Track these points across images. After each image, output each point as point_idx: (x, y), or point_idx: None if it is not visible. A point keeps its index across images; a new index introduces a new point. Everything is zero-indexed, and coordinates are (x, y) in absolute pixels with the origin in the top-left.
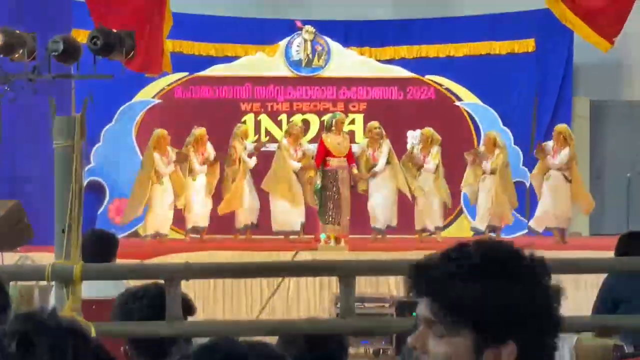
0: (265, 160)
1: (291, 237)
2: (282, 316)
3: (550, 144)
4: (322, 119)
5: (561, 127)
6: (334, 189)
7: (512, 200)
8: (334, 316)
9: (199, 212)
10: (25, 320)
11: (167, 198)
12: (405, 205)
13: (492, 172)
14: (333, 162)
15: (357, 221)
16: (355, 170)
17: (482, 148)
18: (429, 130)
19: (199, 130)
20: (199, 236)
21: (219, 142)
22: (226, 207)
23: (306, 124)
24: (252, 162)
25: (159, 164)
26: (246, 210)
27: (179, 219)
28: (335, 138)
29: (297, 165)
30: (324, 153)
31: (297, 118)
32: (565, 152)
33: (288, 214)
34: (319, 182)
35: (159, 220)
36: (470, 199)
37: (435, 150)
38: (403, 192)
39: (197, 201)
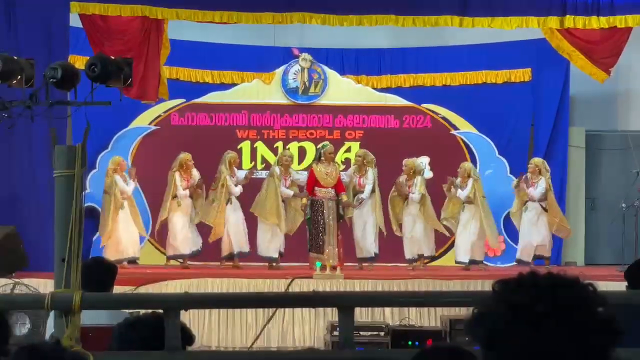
0: (254, 186)
1: (271, 264)
2: (277, 344)
3: (528, 176)
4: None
5: (537, 160)
6: (320, 219)
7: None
8: (329, 344)
9: (182, 239)
10: (28, 356)
11: (130, 222)
12: (393, 233)
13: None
14: (320, 192)
15: (351, 249)
16: (344, 197)
17: (458, 180)
18: (411, 161)
19: (184, 155)
20: (180, 262)
21: (214, 169)
22: (213, 235)
23: (302, 151)
24: (237, 190)
25: (120, 184)
26: (231, 238)
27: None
28: (324, 168)
29: (289, 192)
30: (313, 183)
31: (293, 146)
32: (542, 184)
33: (269, 241)
34: (309, 211)
35: (123, 246)
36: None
37: (419, 180)
38: (379, 224)
39: (180, 228)
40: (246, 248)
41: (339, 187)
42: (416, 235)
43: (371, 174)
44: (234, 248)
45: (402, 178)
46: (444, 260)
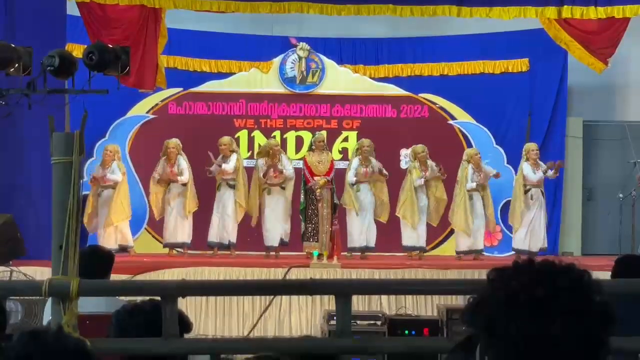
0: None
1: (271, 252)
2: (274, 332)
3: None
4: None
5: (533, 144)
6: (312, 207)
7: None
8: (325, 332)
9: (173, 228)
10: (30, 341)
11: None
12: (392, 223)
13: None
14: (314, 181)
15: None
16: (320, 181)
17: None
18: (420, 147)
19: (173, 142)
20: (180, 251)
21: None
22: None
23: (300, 140)
24: (229, 166)
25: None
26: (215, 225)
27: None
28: (316, 157)
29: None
30: (308, 172)
31: (290, 135)
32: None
33: (269, 230)
34: (302, 200)
35: (116, 233)
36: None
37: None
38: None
39: (172, 216)
40: (232, 238)
41: (329, 174)
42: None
43: (375, 161)
44: (216, 237)
45: (417, 164)
46: (442, 249)
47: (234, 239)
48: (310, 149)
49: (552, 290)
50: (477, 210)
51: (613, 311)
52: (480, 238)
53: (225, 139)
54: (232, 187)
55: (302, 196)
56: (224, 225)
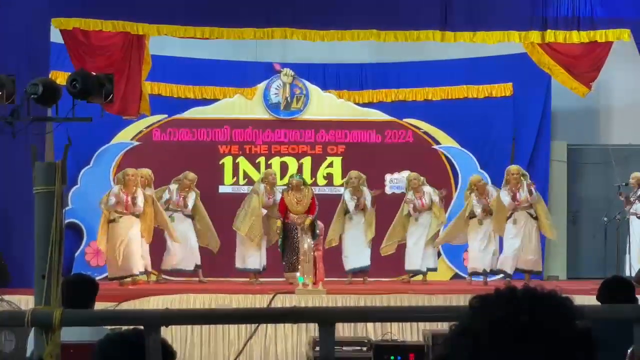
0: (238, 202)
1: (251, 278)
2: (259, 359)
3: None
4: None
5: (514, 168)
6: (294, 239)
7: None
8: (311, 359)
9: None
10: None
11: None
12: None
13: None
14: (292, 217)
15: (334, 264)
16: (307, 220)
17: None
18: (414, 174)
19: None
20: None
21: (197, 185)
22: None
23: (284, 166)
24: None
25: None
26: (180, 252)
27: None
28: (295, 195)
29: (264, 211)
30: (284, 209)
31: (275, 161)
32: (525, 189)
33: (252, 255)
34: (281, 234)
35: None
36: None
37: (430, 190)
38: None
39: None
40: (197, 261)
41: (310, 210)
42: (420, 248)
43: (367, 191)
44: (173, 264)
45: (410, 194)
46: (432, 274)
47: (199, 262)
48: (289, 188)
49: (535, 317)
50: (486, 234)
51: (596, 336)
52: (474, 262)
53: (192, 174)
54: (190, 217)
55: (280, 230)
56: (191, 252)
